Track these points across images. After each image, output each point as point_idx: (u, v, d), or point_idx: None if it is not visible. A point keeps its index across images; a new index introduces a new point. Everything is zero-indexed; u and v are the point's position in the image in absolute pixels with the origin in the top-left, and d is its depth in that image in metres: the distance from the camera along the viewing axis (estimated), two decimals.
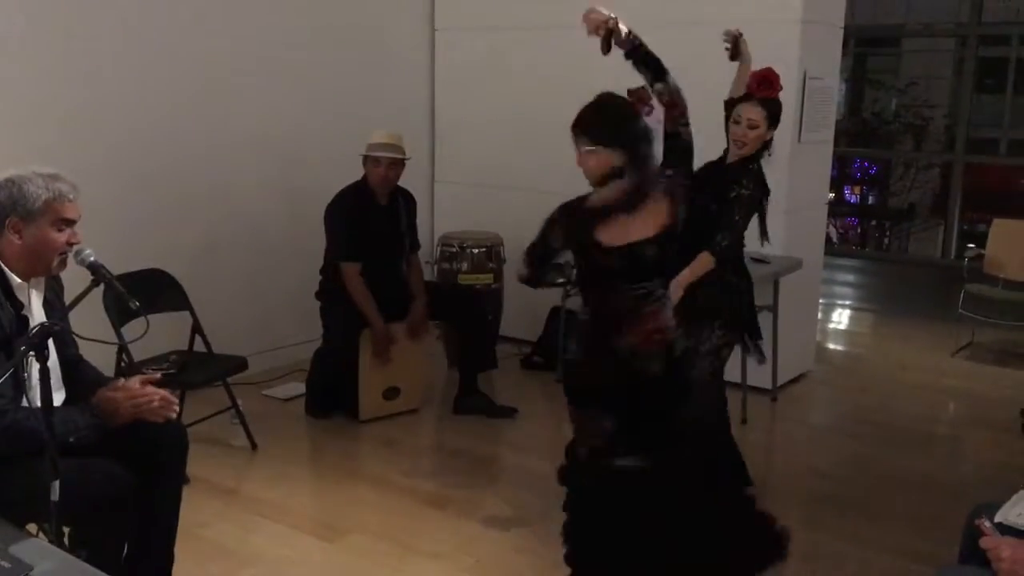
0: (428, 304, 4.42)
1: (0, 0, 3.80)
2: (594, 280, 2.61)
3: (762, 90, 3.28)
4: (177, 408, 2.47)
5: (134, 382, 2.41)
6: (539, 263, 2.67)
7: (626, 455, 2.56)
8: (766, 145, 3.34)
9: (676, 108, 2.63)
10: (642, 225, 2.51)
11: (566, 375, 2.70)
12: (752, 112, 3.28)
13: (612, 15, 2.64)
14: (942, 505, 3.53)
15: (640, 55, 2.66)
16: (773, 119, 3.29)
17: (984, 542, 1.96)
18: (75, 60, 4.07)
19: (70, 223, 2.38)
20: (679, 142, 2.64)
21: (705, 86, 4.97)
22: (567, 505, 2.75)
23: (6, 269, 2.34)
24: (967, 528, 2.30)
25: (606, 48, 2.67)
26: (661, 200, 2.54)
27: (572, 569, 2.73)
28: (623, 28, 2.63)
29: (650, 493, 2.56)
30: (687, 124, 2.64)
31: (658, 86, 2.63)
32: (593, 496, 2.67)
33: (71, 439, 2.22)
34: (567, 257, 2.67)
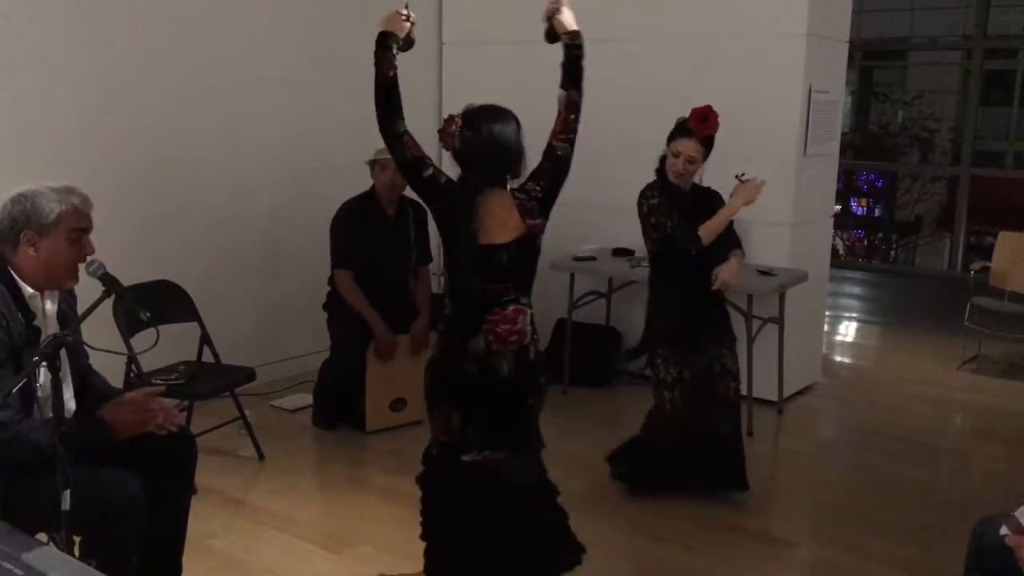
0: (432, 317, 4.44)
1: (2, 7, 3.83)
2: (455, 274, 2.71)
3: (702, 128, 3.47)
4: (179, 420, 2.49)
5: (139, 394, 2.44)
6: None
7: (472, 450, 2.63)
8: None
9: (562, 122, 2.75)
10: (500, 230, 2.62)
11: (425, 373, 2.72)
12: (691, 148, 3.50)
13: (559, 5, 2.81)
14: (948, 518, 3.52)
15: (567, 55, 2.83)
16: (710, 149, 3.55)
17: (1010, 540, 1.99)
18: (82, 70, 4.10)
19: (84, 233, 2.41)
20: (551, 155, 2.74)
21: (711, 98, 5.02)
22: (422, 505, 2.77)
23: (19, 280, 2.37)
24: (972, 541, 2.31)
25: (548, 38, 2.87)
26: (511, 210, 2.64)
27: (426, 564, 2.76)
28: (568, 23, 2.81)
29: (493, 489, 2.64)
30: (567, 141, 2.74)
31: (560, 92, 2.77)
32: (442, 491, 2.72)
33: (75, 452, 2.23)
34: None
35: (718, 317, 3.73)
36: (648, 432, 3.77)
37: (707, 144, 3.52)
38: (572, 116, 2.77)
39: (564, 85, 2.80)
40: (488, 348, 2.61)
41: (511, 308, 2.64)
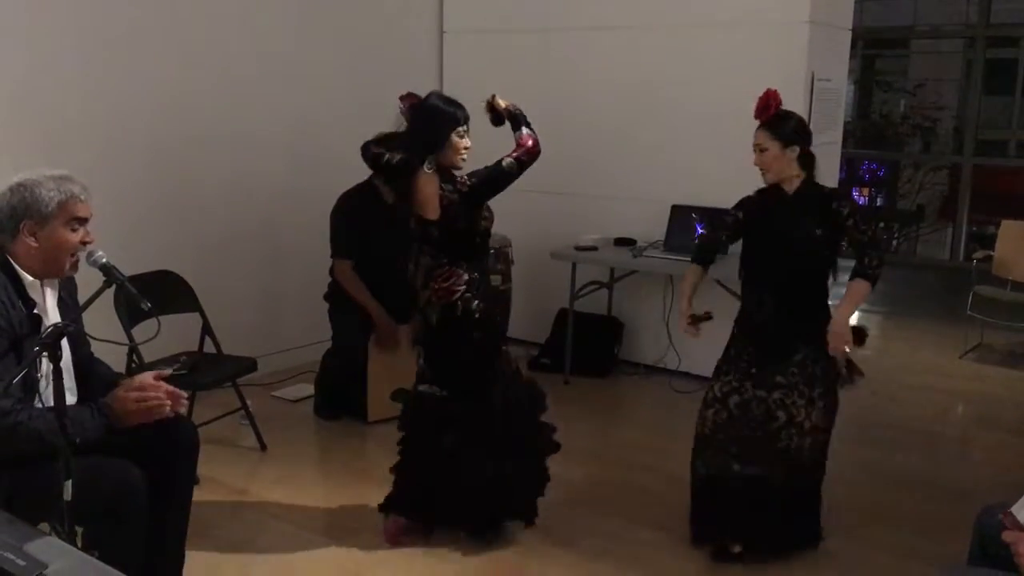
0: None
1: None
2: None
3: (760, 114, 3.17)
4: (186, 402, 2.49)
5: (147, 376, 2.43)
6: None
7: (425, 383, 3.21)
8: (806, 163, 3.14)
9: (522, 147, 3.17)
10: (430, 209, 3.07)
11: None
12: (758, 137, 3.15)
13: (491, 95, 3.25)
14: (950, 507, 3.53)
15: (512, 117, 3.25)
16: (783, 135, 3.10)
17: (1007, 535, 1.98)
18: (80, 58, 4.08)
19: (83, 222, 2.41)
20: (496, 164, 3.13)
21: (713, 86, 5.00)
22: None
23: (19, 268, 2.37)
24: (976, 529, 2.30)
25: (496, 122, 3.25)
26: (435, 195, 3.05)
27: (396, 478, 3.31)
28: (503, 102, 3.24)
29: (442, 418, 3.17)
30: (516, 160, 3.12)
31: (516, 134, 3.22)
32: (410, 415, 3.31)
33: (78, 440, 2.23)
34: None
35: (796, 352, 3.10)
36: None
37: (775, 129, 3.09)
38: (531, 143, 3.17)
39: (517, 128, 3.23)
40: (428, 300, 3.13)
41: (447, 269, 3.10)
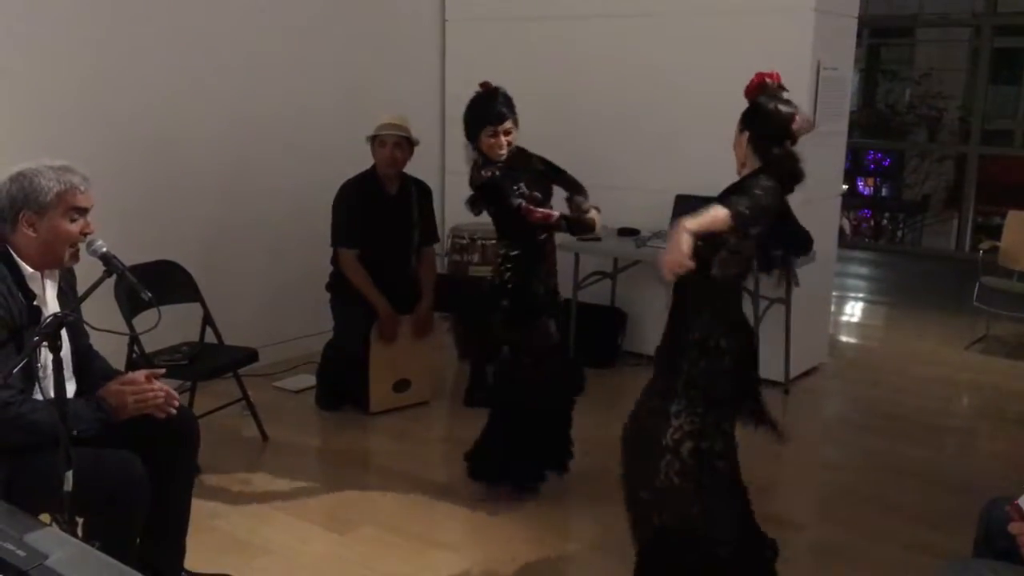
0: (436, 298, 4.41)
1: None
2: None
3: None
4: (177, 402, 2.49)
5: (140, 375, 2.43)
6: None
7: None
8: (764, 156, 2.69)
9: (540, 206, 3.33)
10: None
11: None
12: None
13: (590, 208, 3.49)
14: (955, 499, 3.51)
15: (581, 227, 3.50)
16: (743, 116, 2.69)
17: (1013, 527, 1.96)
18: (81, 49, 4.06)
19: (83, 212, 2.39)
20: (514, 195, 3.29)
21: (717, 75, 4.95)
22: None
23: (19, 260, 2.36)
24: (982, 521, 2.28)
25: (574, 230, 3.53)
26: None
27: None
28: (595, 220, 3.53)
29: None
30: (521, 208, 3.24)
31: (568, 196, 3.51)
32: None
33: (75, 432, 2.23)
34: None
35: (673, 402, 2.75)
36: None
37: (743, 114, 2.68)
38: (540, 214, 3.24)
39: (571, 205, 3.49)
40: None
41: (497, 244, 3.47)
